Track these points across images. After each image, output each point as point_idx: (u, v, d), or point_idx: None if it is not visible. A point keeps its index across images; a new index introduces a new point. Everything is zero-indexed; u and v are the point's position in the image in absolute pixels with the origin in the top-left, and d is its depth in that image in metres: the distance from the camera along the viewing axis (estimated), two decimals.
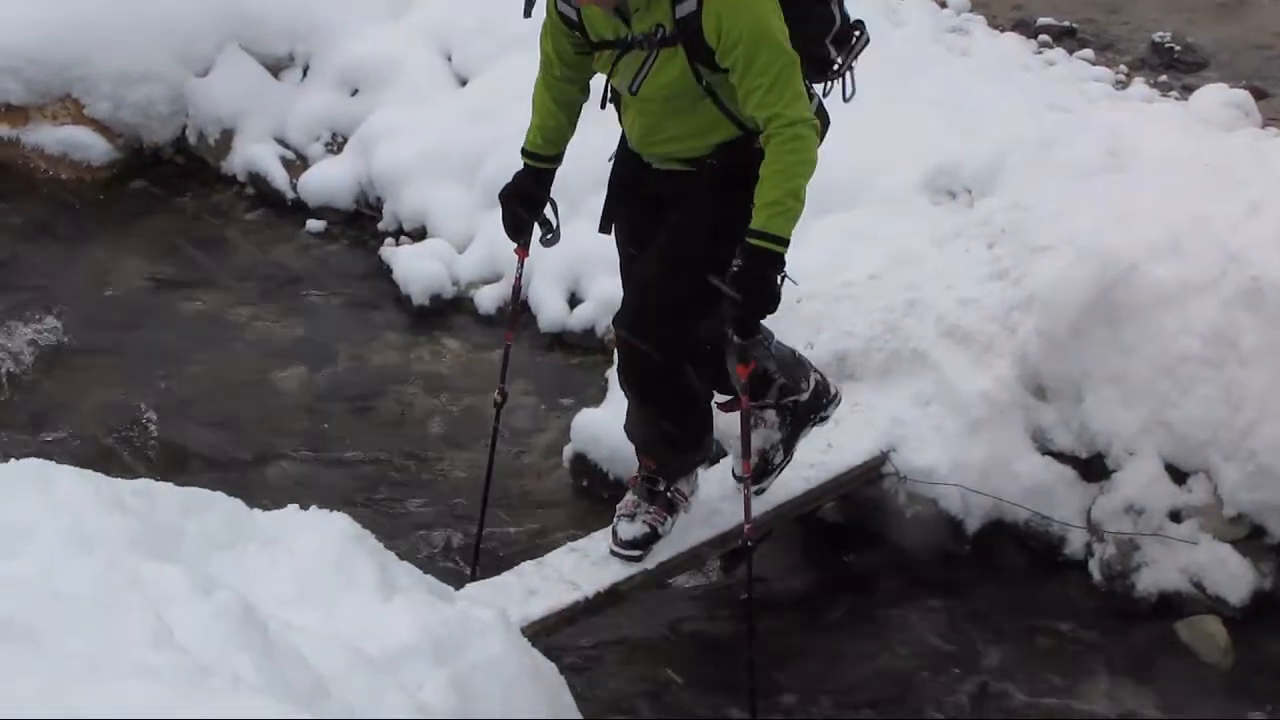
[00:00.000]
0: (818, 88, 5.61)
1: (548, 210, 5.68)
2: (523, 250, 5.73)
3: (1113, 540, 6.21)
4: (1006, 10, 10.50)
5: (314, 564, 5.42)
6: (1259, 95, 9.13)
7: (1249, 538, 6.11)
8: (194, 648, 4.35)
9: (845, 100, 5.72)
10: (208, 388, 7.40)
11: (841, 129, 7.97)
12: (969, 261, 6.95)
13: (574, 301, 7.97)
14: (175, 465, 6.79)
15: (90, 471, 5.42)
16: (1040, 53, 10.05)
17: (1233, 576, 6.06)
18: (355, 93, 8.96)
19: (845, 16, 5.53)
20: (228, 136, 9.15)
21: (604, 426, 6.81)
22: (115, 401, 7.41)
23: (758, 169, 5.29)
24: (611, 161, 5.78)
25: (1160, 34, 10.21)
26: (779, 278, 5.20)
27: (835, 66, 5.59)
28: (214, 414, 7.14)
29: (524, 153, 5.72)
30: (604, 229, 5.86)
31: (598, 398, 7.17)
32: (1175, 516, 6.17)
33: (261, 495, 5.75)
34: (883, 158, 8.00)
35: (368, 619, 5.04)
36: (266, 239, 8.41)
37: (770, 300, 5.21)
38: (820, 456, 6.40)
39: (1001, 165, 7.58)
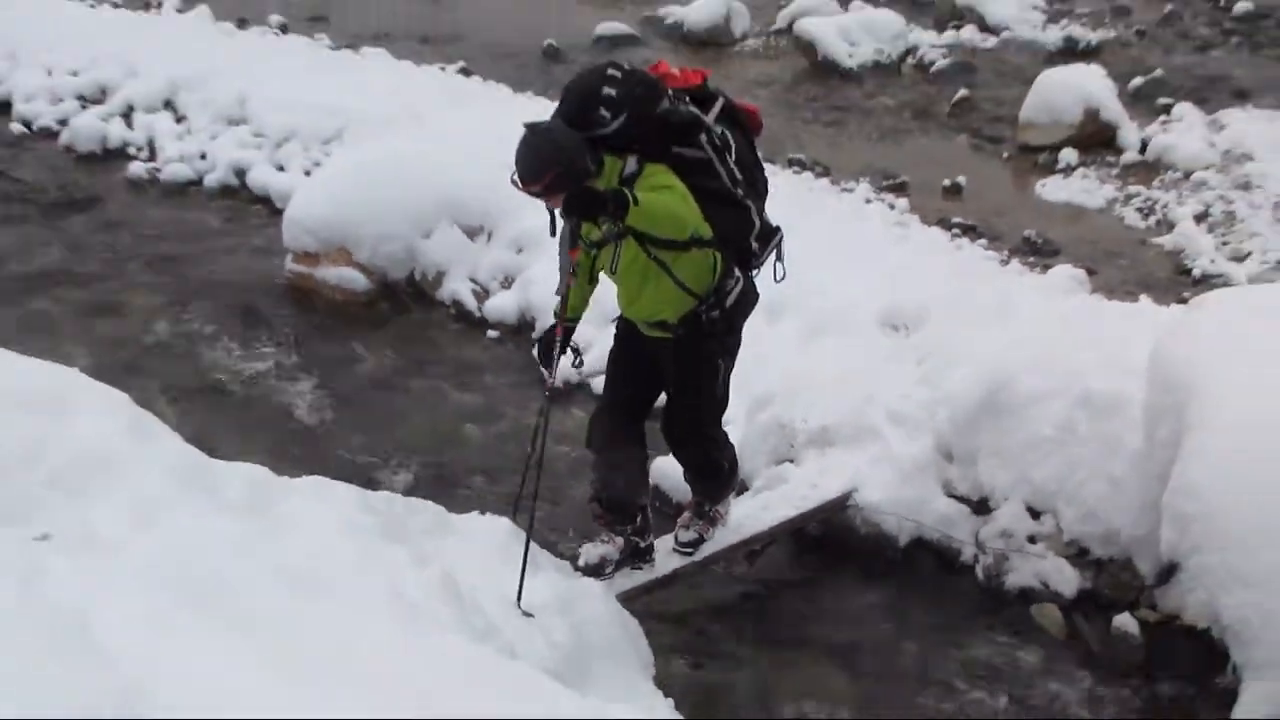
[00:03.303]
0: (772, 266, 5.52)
1: (574, 344, 5.53)
2: (552, 374, 5.49)
3: (991, 553, 6.20)
4: (932, 213, 10.51)
5: (487, 549, 5.45)
6: (1090, 273, 9.14)
7: (1077, 555, 6.12)
8: (413, 600, 4.38)
9: (776, 281, 5.47)
10: (424, 435, 7.45)
11: (827, 284, 8.04)
12: (906, 371, 7.00)
13: None
14: (404, 483, 6.85)
15: (351, 485, 5.45)
16: (953, 240, 10.09)
17: (1066, 579, 6.05)
18: (520, 251, 8.99)
19: (766, 222, 5.37)
20: (440, 276, 9.21)
21: (667, 471, 6.83)
22: (368, 442, 7.47)
23: (709, 340, 5.36)
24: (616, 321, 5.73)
25: (1028, 231, 10.25)
26: (604, 204, 4.79)
27: (755, 257, 5.39)
28: (428, 451, 7.20)
29: (561, 317, 5.44)
30: (609, 365, 5.83)
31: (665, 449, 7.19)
32: (1032, 539, 6.17)
33: (456, 505, 5.75)
34: (853, 303, 8.02)
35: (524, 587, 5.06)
36: (462, 341, 8.48)
37: (580, 207, 4.88)
38: (808, 492, 6.42)
39: (928, 311, 7.60)
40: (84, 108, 12.81)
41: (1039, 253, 9.92)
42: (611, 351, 5.81)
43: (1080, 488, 6.09)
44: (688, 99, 5.19)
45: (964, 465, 6.42)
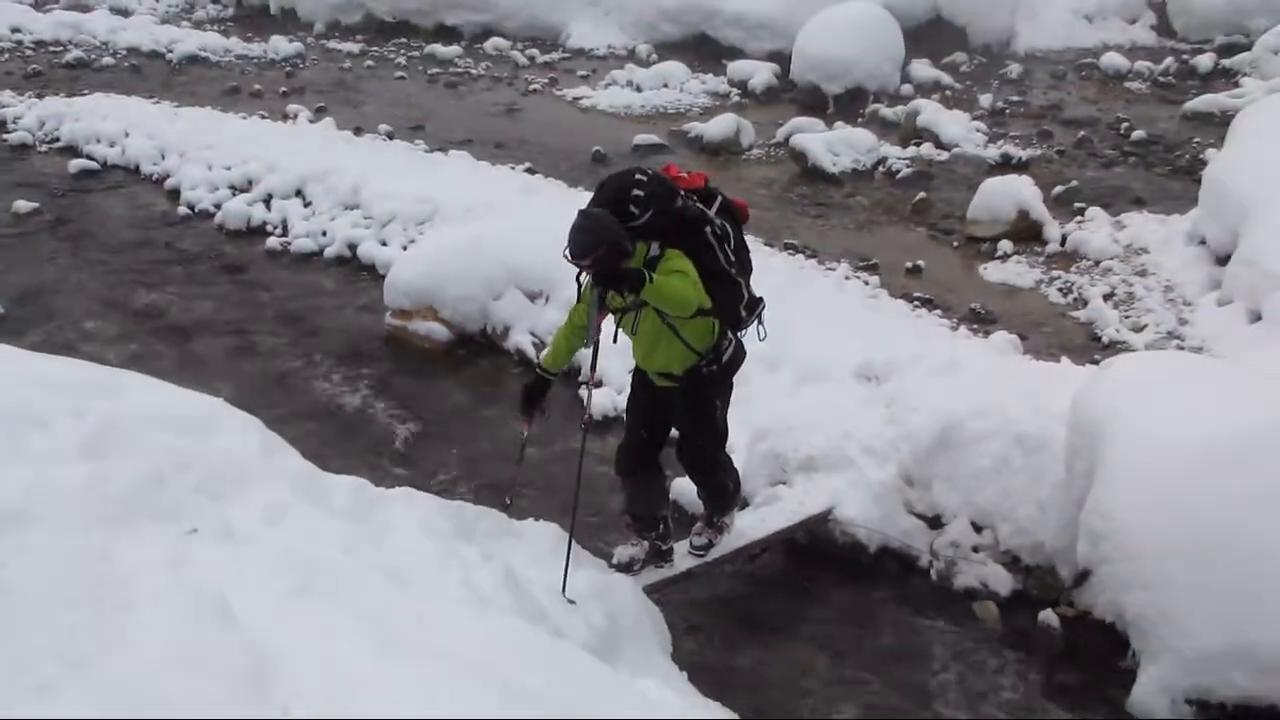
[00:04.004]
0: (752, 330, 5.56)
1: (543, 406, 5.58)
2: (528, 422, 5.57)
3: (943, 559, 6.12)
4: (898, 288, 10.47)
5: (540, 549, 5.40)
6: (1022, 338, 9.07)
7: (1011, 562, 6.04)
8: (481, 589, 4.32)
9: (760, 340, 5.55)
10: (491, 455, 7.42)
11: (814, 343, 7.98)
12: (876, 414, 6.92)
13: None
14: (474, 494, 6.79)
15: (433, 495, 5.41)
16: (915, 310, 10.01)
17: (1001, 581, 5.98)
18: None
19: (752, 294, 5.42)
20: (507, 330, 9.19)
21: (684, 489, 6.78)
22: (446, 460, 7.44)
23: (708, 387, 5.42)
24: (631, 373, 5.78)
25: (974, 304, 10.19)
26: (626, 279, 4.86)
27: (743, 322, 5.43)
28: (494, 469, 7.15)
29: (541, 368, 5.54)
30: (629, 408, 5.86)
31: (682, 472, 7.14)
32: (975, 549, 6.09)
33: (515, 512, 5.70)
34: (834, 357, 7.97)
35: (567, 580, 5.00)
36: (523, 382, 8.43)
37: (611, 280, 4.89)
38: (795, 508, 6.35)
39: (894, 365, 7.54)
40: (234, 195, 12.87)
41: (982, 321, 9.84)
42: (630, 396, 5.83)
43: (1014, 509, 6.03)
44: (694, 197, 5.24)
45: (922, 489, 6.34)
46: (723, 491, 5.92)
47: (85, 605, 3.30)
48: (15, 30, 22.92)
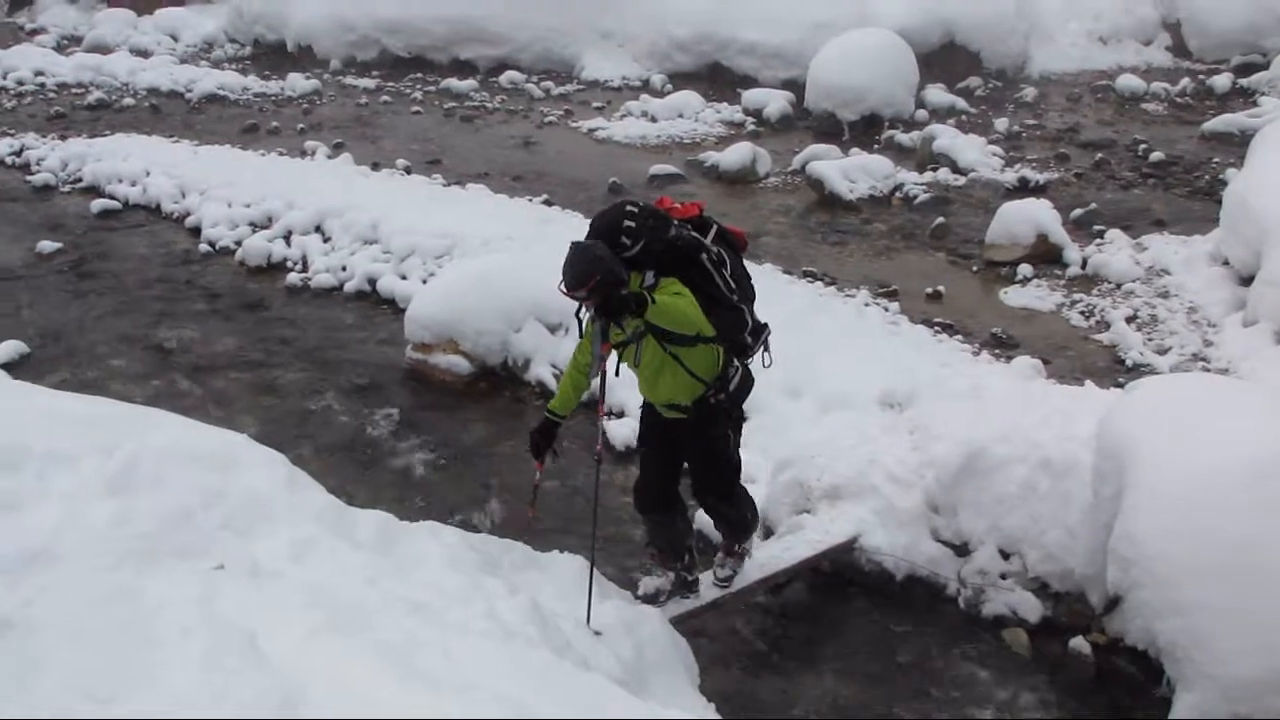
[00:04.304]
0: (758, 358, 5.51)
1: (555, 446, 5.50)
2: (541, 464, 5.50)
3: (971, 587, 6.08)
4: (918, 314, 10.45)
5: (565, 581, 5.38)
6: (1045, 362, 9.06)
7: (1039, 589, 5.98)
8: (507, 622, 4.31)
9: (765, 367, 5.50)
10: (513, 488, 7.41)
11: (835, 371, 7.96)
12: (900, 441, 6.87)
13: None
14: (498, 526, 6.78)
15: (457, 528, 5.40)
16: (936, 336, 9.98)
17: (1030, 608, 5.93)
18: None
19: (756, 320, 5.39)
20: (527, 362, 9.21)
21: (708, 519, 6.77)
22: (469, 493, 7.43)
23: (718, 417, 5.37)
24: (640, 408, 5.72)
25: (995, 329, 10.15)
26: (629, 304, 4.86)
27: (750, 349, 5.40)
28: (517, 501, 7.11)
29: (550, 411, 5.45)
30: (640, 445, 5.89)
31: None
32: (1003, 576, 6.05)
33: (539, 544, 5.69)
34: (856, 385, 7.96)
35: (593, 611, 4.98)
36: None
37: (613, 308, 4.88)
38: (821, 536, 6.32)
39: (916, 391, 7.52)
40: (254, 231, 12.92)
41: (1003, 346, 9.81)
42: (640, 432, 5.82)
43: (1042, 535, 5.98)
44: (689, 226, 5.24)
45: (948, 516, 6.30)
46: (740, 521, 5.88)
47: (113, 642, 3.31)
48: (39, 73, 23.15)
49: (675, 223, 5.17)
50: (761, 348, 5.45)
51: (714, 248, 5.24)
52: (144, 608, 3.62)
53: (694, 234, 5.22)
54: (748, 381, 5.45)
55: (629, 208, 5.14)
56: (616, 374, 5.43)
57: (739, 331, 5.30)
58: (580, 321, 5.33)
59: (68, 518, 4.14)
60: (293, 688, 3.18)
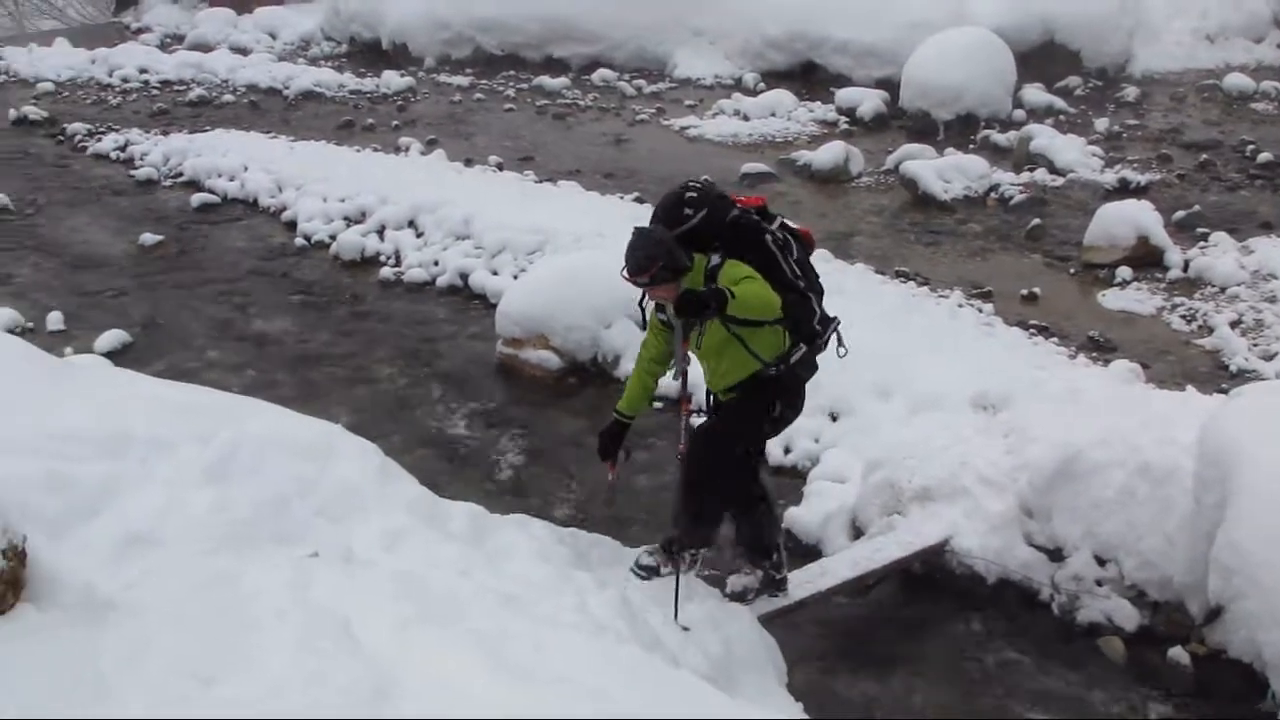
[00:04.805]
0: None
1: (626, 445, 5.43)
2: (612, 465, 5.44)
3: (1065, 593, 5.98)
4: (1013, 316, 10.33)
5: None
6: (1144, 367, 8.89)
7: (1137, 597, 5.85)
8: (597, 615, 4.32)
9: (840, 357, 5.29)
10: (604, 483, 7.38)
11: (928, 372, 7.89)
12: (993, 443, 6.77)
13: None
14: (587, 520, 6.79)
15: (547, 522, 5.43)
16: (1031, 338, 9.84)
17: (1127, 616, 5.80)
18: None
19: (824, 312, 5.25)
20: (617, 358, 9.23)
21: (798, 516, 6.73)
22: (559, 487, 7.47)
23: (765, 390, 5.16)
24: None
25: (1092, 332, 9.99)
26: (709, 304, 4.74)
27: (819, 337, 5.23)
28: (602, 496, 7.10)
29: (619, 412, 5.36)
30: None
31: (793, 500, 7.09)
32: (1099, 582, 5.92)
33: (628, 540, 5.71)
34: (949, 386, 7.87)
35: (681, 608, 4.98)
36: None
37: (693, 308, 4.76)
38: (911, 538, 6.26)
39: (1011, 394, 7.42)
40: (348, 226, 13.11)
41: (1101, 349, 9.64)
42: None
43: (1139, 541, 5.84)
44: (752, 213, 5.18)
45: (1042, 520, 6.18)
46: (754, 542, 5.63)
47: (213, 624, 3.38)
48: (143, 71, 23.71)
49: (738, 207, 5.14)
50: (833, 338, 5.32)
51: (779, 232, 5.16)
52: (241, 592, 3.69)
53: (756, 217, 5.16)
54: (811, 366, 5.31)
55: (692, 182, 5.16)
56: (675, 377, 5.33)
57: (808, 320, 5.19)
58: (644, 311, 5.29)
59: (168, 503, 4.23)
60: (385, 675, 3.21)
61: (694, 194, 5.05)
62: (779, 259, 5.09)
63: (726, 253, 5.00)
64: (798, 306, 5.10)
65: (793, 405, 5.36)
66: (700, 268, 4.98)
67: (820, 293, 5.29)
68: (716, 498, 5.39)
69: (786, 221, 5.30)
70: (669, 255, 4.87)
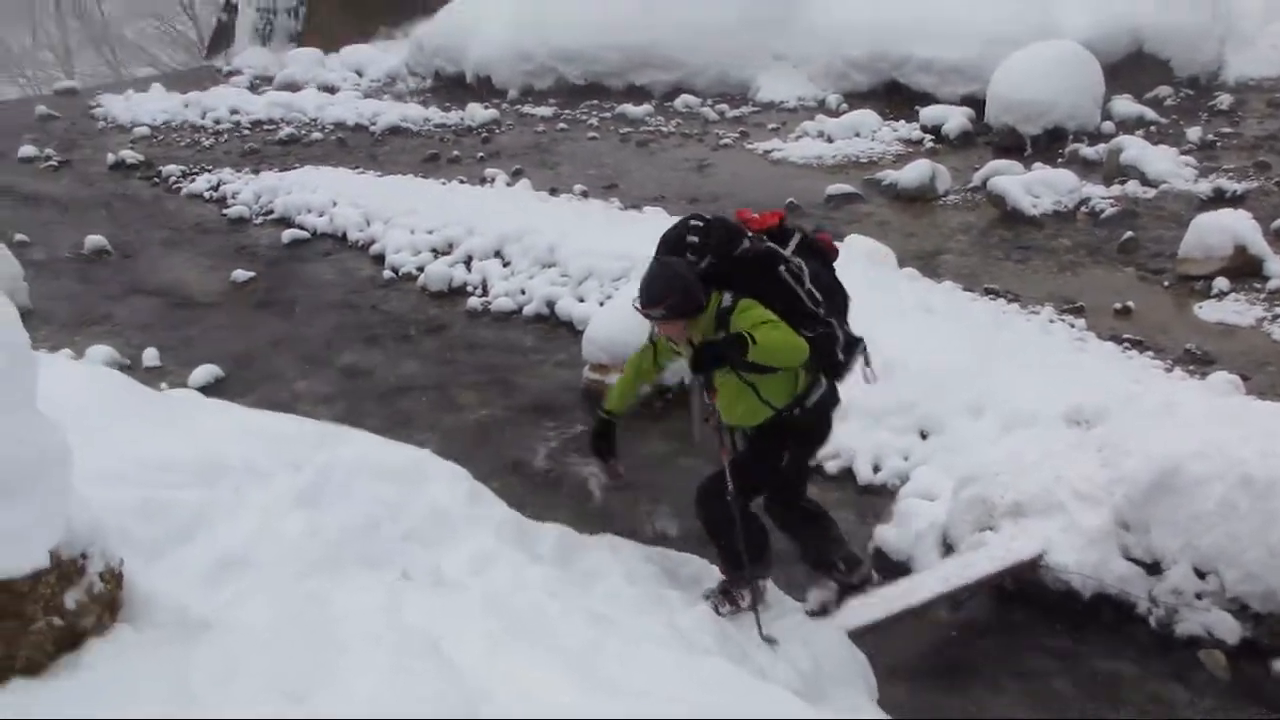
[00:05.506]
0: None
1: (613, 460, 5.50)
2: (608, 467, 5.57)
3: (1164, 606, 5.87)
4: (1105, 330, 10.21)
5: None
6: (1244, 378, 8.71)
7: (1239, 610, 5.72)
8: (686, 632, 4.33)
9: (867, 384, 5.23)
10: (688, 503, 7.37)
11: (1019, 387, 7.80)
12: (1088, 458, 6.68)
13: None
14: (674, 539, 6.79)
15: (635, 542, 5.45)
16: (1125, 352, 9.71)
17: (1229, 629, 5.68)
18: None
19: (849, 333, 5.10)
20: None
21: (893, 538, 6.69)
22: (645, 507, 7.50)
23: (783, 429, 5.11)
24: None
25: (1189, 344, 9.81)
26: (725, 358, 4.71)
27: (842, 367, 5.13)
28: (691, 515, 7.07)
29: (606, 411, 5.41)
30: None
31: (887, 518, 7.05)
32: (1199, 596, 5.81)
33: (712, 557, 5.68)
34: (1041, 404, 7.78)
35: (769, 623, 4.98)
36: None
37: (710, 363, 4.75)
38: (1003, 553, 6.20)
39: (1105, 408, 7.31)
40: (436, 257, 13.30)
41: (1198, 362, 9.47)
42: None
43: (1241, 554, 5.72)
44: (765, 238, 5.01)
45: (1139, 534, 6.07)
46: (730, 555, 5.26)
47: (305, 644, 3.44)
48: (234, 111, 24.30)
49: (750, 235, 4.97)
50: (861, 362, 5.21)
51: (794, 259, 4.97)
52: (332, 614, 3.76)
53: (769, 244, 4.98)
54: (833, 398, 5.25)
55: (694, 222, 4.99)
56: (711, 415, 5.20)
57: (830, 349, 5.05)
58: (653, 345, 5.33)
59: (261, 528, 4.33)
60: (475, 691, 3.26)
61: (695, 238, 4.88)
62: (796, 291, 4.92)
63: (739, 290, 4.88)
64: (821, 341, 4.96)
65: (808, 443, 5.37)
66: (713, 308, 4.88)
67: (844, 312, 5.15)
68: (732, 542, 5.16)
69: (806, 234, 5.17)
70: (684, 293, 4.78)
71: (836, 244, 5.35)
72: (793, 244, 5.05)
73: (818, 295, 4.95)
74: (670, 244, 4.96)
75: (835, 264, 5.26)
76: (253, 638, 3.50)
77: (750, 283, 4.87)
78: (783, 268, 4.92)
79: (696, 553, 5.74)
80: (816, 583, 5.77)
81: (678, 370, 9.21)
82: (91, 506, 3.37)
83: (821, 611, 5.58)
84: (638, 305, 4.89)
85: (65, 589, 3.15)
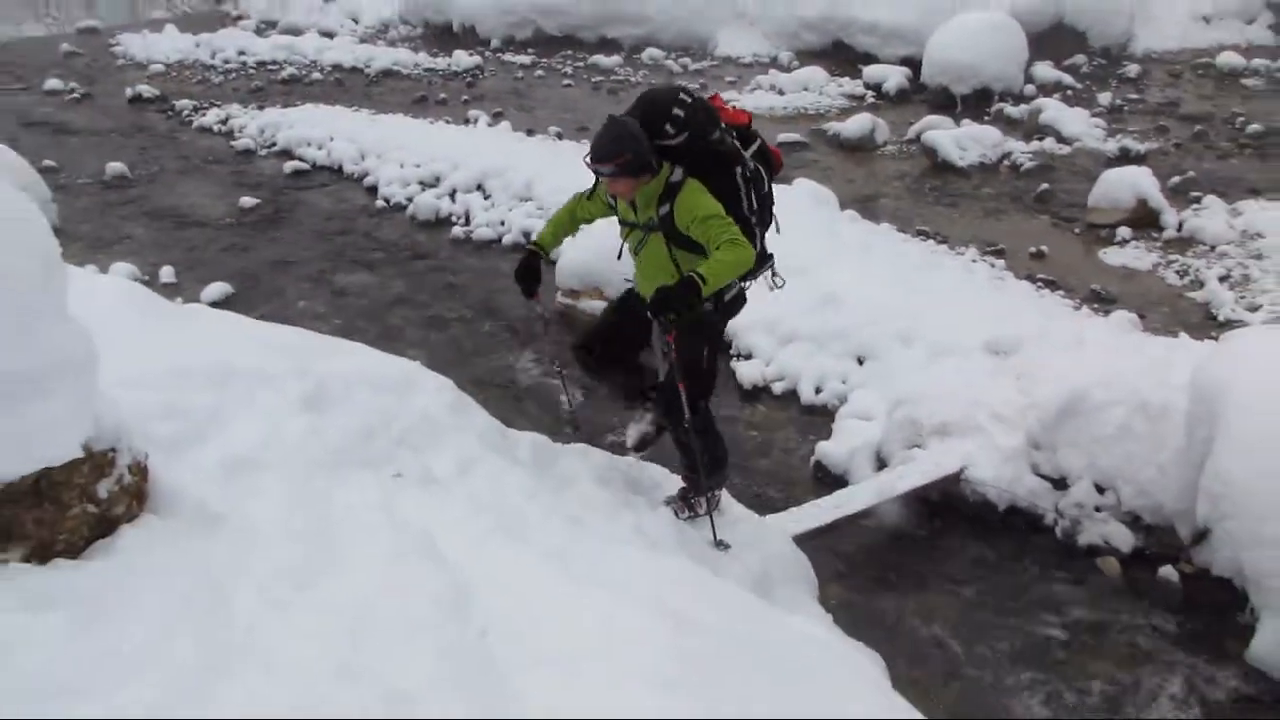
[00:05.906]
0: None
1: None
2: (533, 295, 5.17)
3: (1068, 518, 5.93)
4: (1022, 271, 10.26)
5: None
6: (1141, 317, 8.82)
7: (1132, 521, 5.81)
8: (650, 534, 4.32)
9: (774, 290, 4.89)
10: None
11: (945, 320, 7.78)
12: (1005, 384, 6.72)
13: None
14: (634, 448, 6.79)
15: (603, 450, 5.39)
16: (1039, 291, 9.76)
17: (1123, 538, 5.76)
18: None
19: (764, 248, 4.81)
20: None
21: (833, 453, 6.71)
22: (611, 420, 7.47)
23: (701, 328, 4.69)
24: (628, 281, 5.11)
25: (1094, 286, 9.89)
26: (689, 300, 4.20)
27: (754, 272, 4.77)
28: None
29: (534, 243, 5.02)
30: (618, 304, 5.28)
31: (827, 435, 7.06)
32: (1098, 509, 5.88)
33: (673, 466, 5.67)
34: (964, 333, 7.79)
35: (723, 528, 4.96)
36: None
37: (678, 304, 4.21)
38: (930, 468, 6.23)
39: (1021, 340, 7.33)
40: (424, 190, 13.14)
41: (1102, 301, 9.53)
42: (617, 300, 5.33)
43: (1136, 472, 5.80)
44: (734, 133, 4.69)
45: (1048, 453, 6.13)
46: (694, 457, 4.92)
47: (310, 538, 3.41)
48: (241, 53, 23.85)
49: (723, 125, 4.62)
50: (768, 272, 4.91)
51: (751, 163, 4.68)
52: (335, 510, 3.72)
53: (736, 144, 4.66)
54: (740, 300, 4.91)
55: (682, 95, 4.56)
56: (619, 258, 5.03)
57: (739, 205, 4.64)
58: (594, 188, 4.89)
59: (269, 430, 4.27)
60: (465, 583, 3.24)
61: (681, 111, 4.47)
62: (741, 193, 4.61)
63: (691, 170, 4.51)
64: (734, 200, 4.61)
65: (718, 340, 5.09)
66: (663, 178, 4.52)
67: (768, 226, 4.84)
68: (691, 456, 4.92)
69: (764, 141, 4.86)
70: (637, 151, 4.40)
71: (783, 159, 5.06)
72: (754, 147, 4.77)
73: (755, 205, 4.68)
74: (653, 106, 4.54)
75: (775, 176, 4.93)
76: (266, 531, 3.46)
77: (703, 169, 4.53)
78: (740, 169, 4.63)
79: (656, 464, 5.73)
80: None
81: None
82: (119, 406, 3.31)
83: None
84: (588, 160, 4.48)
85: (98, 479, 3.10)
